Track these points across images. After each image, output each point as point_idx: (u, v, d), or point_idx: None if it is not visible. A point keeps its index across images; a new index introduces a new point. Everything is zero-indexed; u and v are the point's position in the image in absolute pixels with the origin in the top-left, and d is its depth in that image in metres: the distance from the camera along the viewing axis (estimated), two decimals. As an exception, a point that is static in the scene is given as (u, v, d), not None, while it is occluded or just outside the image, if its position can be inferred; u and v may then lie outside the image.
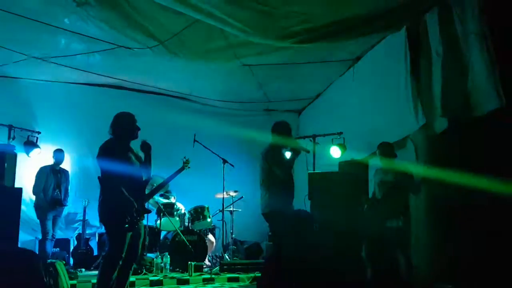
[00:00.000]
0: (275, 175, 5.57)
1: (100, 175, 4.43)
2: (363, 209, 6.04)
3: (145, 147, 4.65)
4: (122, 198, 4.28)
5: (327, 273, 3.40)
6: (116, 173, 4.30)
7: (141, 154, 4.70)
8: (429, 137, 5.85)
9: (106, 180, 4.38)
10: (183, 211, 8.07)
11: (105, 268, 4.31)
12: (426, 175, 5.74)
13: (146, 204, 7.31)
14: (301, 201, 7.36)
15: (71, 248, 7.76)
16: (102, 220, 4.42)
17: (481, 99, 4.88)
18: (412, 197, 5.85)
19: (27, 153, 7.60)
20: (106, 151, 4.39)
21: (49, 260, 5.23)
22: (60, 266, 4.70)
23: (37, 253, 7.08)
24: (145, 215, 4.73)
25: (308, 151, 6.04)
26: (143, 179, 4.63)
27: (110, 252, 4.36)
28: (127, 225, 4.25)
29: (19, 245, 6.68)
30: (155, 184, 5.91)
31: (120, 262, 4.29)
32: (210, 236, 8.40)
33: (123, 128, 4.53)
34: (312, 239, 4.40)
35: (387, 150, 5.93)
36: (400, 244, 5.59)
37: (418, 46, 5.95)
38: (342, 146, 7.57)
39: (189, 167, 5.49)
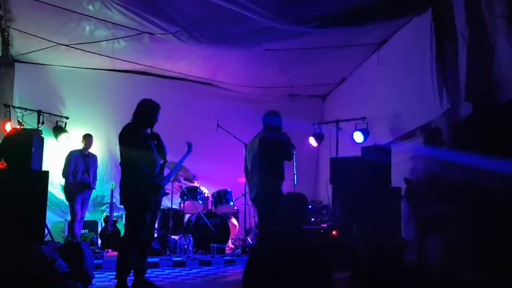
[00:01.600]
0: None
1: (123, 159, 4.56)
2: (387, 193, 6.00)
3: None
4: (139, 181, 4.40)
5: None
6: (133, 157, 4.41)
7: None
8: (454, 122, 5.80)
9: (124, 163, 4.52)
10: (206, 195, 8.18)
11: (124, 248, 4.46)
12: (450, 160, 5.70)
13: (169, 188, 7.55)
14: (323, 186, 7.44)
15: (99, 229, 7.94)
16: (122, 201, 4.57)
17: (507, 83, 4.82)
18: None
19: (56, 138, 7.81)
20: (123, 136, 4.52)
21: (75, 241, 5.41)
22: (85, 247, 4.83)
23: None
24: (164, 197, 4.84)
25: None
26: (161, 163, 4.70)
27: (129, 233, 4.50)
28: (145, 207, 4.37)
29: (49, 226, 6.96)
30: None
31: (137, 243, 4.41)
32: (233, 220, 8.51)
33: (143, 114, 4.63)
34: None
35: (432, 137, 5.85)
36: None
37: (444, 30, 5.86)
38: (365, 131, 7.56)
39: (190, 150, 5.60)
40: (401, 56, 6.95)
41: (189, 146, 5.66)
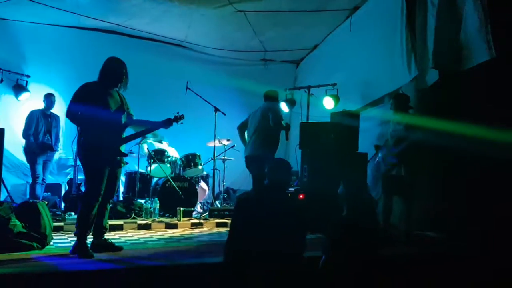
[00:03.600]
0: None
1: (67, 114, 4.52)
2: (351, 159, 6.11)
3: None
4: (96, 137, 4.38)
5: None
6: (89, 115, 4.37)
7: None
8: (421, 89, 5.91)
9: (75, 119, 4.47)
10: (174, 158, 8.17)
11: (83, 207, 4.43)
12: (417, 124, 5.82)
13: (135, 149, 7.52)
14: (293, 150, 7.52)
15: (62, 192, 7.89)
16: (80, 160, 4.58)
17: (472, 51, 4.93)
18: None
19: (16, 97, 7.67)
20: (78, 91, 4.46)
21: (30, 200, 5.37)
22: (42, 206, 4.79)
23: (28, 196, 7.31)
24: (131, 161, 4.83)
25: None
26: (121, 123, 4.66)
27: (87, 192, 4.51)
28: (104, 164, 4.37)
29: (9, 189, 6.87)
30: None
31: (98, 201, 4.41)
32: (203, 184, 8.54)
33: (106, 72, 4.57)
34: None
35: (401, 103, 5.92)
36: (400, 192, 5.70)
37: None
38: (335, 97, 7.65)
39: (181, 123, 5.05)
40: (373, 23, 7.02)
41: (177, 118, 4.96)
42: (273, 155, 6.74)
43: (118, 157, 4.60)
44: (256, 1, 7.01)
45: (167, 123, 4.86)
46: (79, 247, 4.28)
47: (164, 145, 8.24)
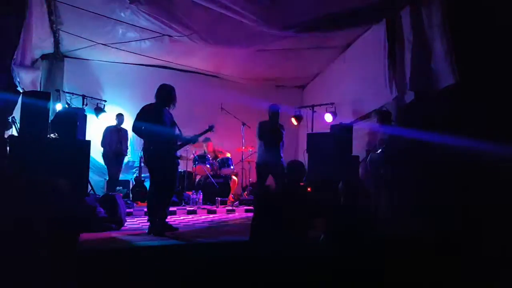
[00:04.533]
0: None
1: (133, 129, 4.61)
2: (348, 160, 6.07)
3: None
4: (156, 146, 4.44)
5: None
6: (147, 128, 4.45)
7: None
8: (400, 106, 5.85)
9: (139, 133, 4.57)
10: (212, 160, 8.20)
11: (152, 199, 4.54)
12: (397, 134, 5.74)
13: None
14: (301, 155, 7.49)
15: (131, 187, 7.99)
16: (145, 162, 4.67)
17: (440, 76, 4.86)
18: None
19: (97, 116, 7.81)
20: (140, 111, 4.56)
21: (110, 193, 5.46)
22: (119, 198, 4.89)
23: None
24: (178, 160, 4.89)
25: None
26: (174, 134, 4.71)
27: (151, 187, 4.59)
28: (164, 166, 4.43)
29: (93, 184, 6.99)
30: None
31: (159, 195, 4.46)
32: (234, 177, 8.54)
33: (161, 95, 4.64)
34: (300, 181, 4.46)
35: (384, 117, 5.87)
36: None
37: (395, 35, 5.86)
38: (334, 113, 7.62)
39: (213, 131, 5.37)
40: (362, 55, 6.95)
41: (210, 127, 5.30)
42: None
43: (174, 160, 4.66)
44: (271, 43, 6.98)
45: (206, 131, 5.12)
46: (153, 228, 4.34)
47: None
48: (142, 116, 4.50)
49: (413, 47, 5.35)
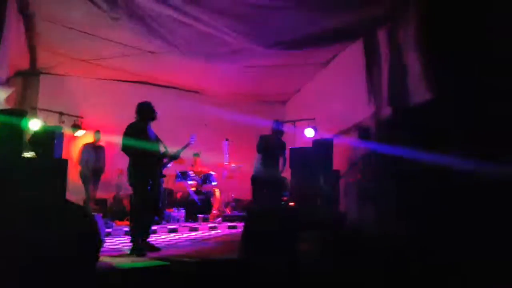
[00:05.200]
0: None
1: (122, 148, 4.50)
2: (327, 174, 6.15)
3: None
4: (142, 168, 4.40)
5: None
6: (136, 146, 4.39)
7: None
8: (379, 120, 5.97)
9: (130, 153, 4.47)
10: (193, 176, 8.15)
11: (134, 220, 4.47)
12: (375, 148, 5.86)
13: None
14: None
15: (108, 205, 7.84)
16: (130, 180, 4.54)
17: (416, 92, 5.00)
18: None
19: (74, 133, 7.68)
20: (127, 130, 4.50)
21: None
22: (98, 218, 4.78)
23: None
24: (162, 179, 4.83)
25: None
26: (160, 152, 4.68)
27: (135, 207, 4.51)
28: (147, 185, 4.37)
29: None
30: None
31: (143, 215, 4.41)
32: (217, 195, 8.50)
33: (142, 112, 4.63)
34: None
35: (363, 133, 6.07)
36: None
37: (372, 53, 6.02)
38: (314, 128, 7.73)
39: (192, 143, 5.34)
40: (341, 72, 7.11)
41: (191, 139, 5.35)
42: None
43: (160, 179, 4.61)
44: (254, 59, 7.06)
45: (177, 153, 4.97)
46: (135, 249, 4.26)
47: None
48: (131, 135, 4.45)
49: (390, 64, 5.51)
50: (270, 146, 6.14)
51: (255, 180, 6.21)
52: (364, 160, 5.94)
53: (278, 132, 6.38)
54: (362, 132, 5.93)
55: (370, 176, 5.86)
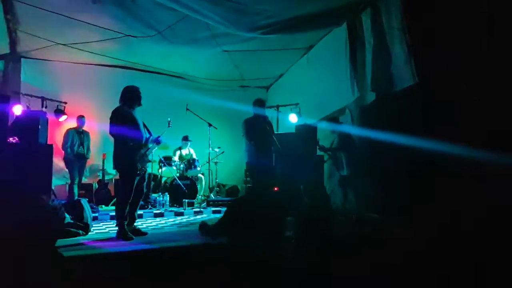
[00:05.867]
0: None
1: (112, 133, 4.40)
2: (311, 159, 6.18)
3: None
4: (128, 152, 4.31)
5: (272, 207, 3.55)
6: (124, 131, 4.30)
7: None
8: (362, 106, 6.02)
9: (116, 138, 4.39)
10: (178, 162, 8.11)
11: (120, 204, 4.40)
12: (360, 134, 5.93)
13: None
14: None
15: (94, 190, 7.75)
16: (116, 167, 4.45)
17: (400, 77, 5.04)
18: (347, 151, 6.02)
19: (57, 119, 7.50)
20: (114, 115, 4.38)
21: (75, 198, 5.27)
22: (84, 202, 4.73)
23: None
24: (148, 164, 4.77)
25: None
26: (146, 136, 4.61)
27: (123, 193, 4.42)
28: (135, 171, 4.32)
29: (53, 189, 6.71)
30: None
31: (131, 199, 4.37)
32: (202, 179, 8.48)
33: (127, 97, 4.52)
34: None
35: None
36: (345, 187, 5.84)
37: (355, 38, 6.03)
38: (298, 114, 7.73)
39: (170, 126, 5.42)
40: (324, 57, 7.10)
41: (169, 123, 5.45)
42: None
43: (146, 164, 4.55)
44: (237, 44, 7.02)
45: (158, 140, 4.81)
46: (122, 233, 4.23)
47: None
48: (119, 120, 4.33)
49: (374, 49, 5.52)
50: (263, 132, 5.86)
51: (252, 167, 6.05)
52: (346, 144, 6.01)
53: (262, 115, 6.05)
54: (345, 117, 5.99)
55: (351, 159, 5.95)
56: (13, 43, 6.81)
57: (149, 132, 4.68)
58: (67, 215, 4.33)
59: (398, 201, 4.78)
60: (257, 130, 5.88)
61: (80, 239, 4.23)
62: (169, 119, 5.47)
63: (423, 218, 4.06)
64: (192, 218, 6.41)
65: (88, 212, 4.65)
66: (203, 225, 4.64)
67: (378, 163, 5.49)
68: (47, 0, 5.47)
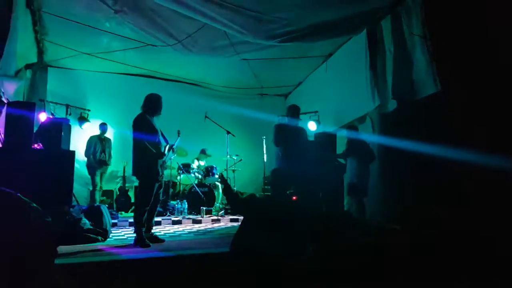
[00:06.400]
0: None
1: (135, 139, 4.41)
2: (331, 167, 6.06)
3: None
4: (148, 158, 4.31)
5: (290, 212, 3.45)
6: (144, 138, 4.31)
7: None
8: (383, 114, 5.89)
9: (136, 144, 4.38)
10: (196, 169, 8.12)
11: (138, 211, 4.37)
12: (381, 143, 5.81)
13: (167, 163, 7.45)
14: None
15: (115, 196, 7.83)
16: (135, 174, 4.44)
17: (422, 85, 4.92)
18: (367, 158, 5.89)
19: (80, 126, 7.63)
20: (136, 123, 4.41)
21: (96, 204, 5.31)
22: (104, 209, 4.76)
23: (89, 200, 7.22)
24: (166, 171, 4.78)
25: None
26: (165, 145, 4.63)
27: (141, 200, 4.40)
28: (155, 178, 4.31)
29: (75, 194, 6.79)
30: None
31: (149, 206, 4.36)
32: (220, 186, 8.45)
33: (149, 105, 4.54)
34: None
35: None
36: (360, 194, 5.70)
37: (376, 46, 5.94)
38: (317, 121, 7.64)
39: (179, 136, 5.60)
40: (344, 65, 7.00)
41: (178, 132, 5.67)
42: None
43: (163, 170, 4.55)
44: (255, 52, 7.00)
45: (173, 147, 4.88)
46: (140, 240, 4.22)
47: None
48: (142, 127, 4.35)
49: (394, 57, 5.41)
50: (294, 138, 5.58)
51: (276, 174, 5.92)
52: (367, 152, 5.89)
53: (295, 122, 5.75)
54: (365, 125, 5.87)
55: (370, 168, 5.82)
56: (40, 52, 7.02)
57: (166, 140, 4.69)
58: (86, 221, 4.36)
59: (421, 212, 4.63)
60: (288, 136, 5.61)
61: (99, 244, 4.24)
62: (178, 130, 5.66)
63: (449, 228, 3.91)
64: (209, 226, 6.37)
65: (107, 218, 4.67)
66: None
67: (400, 172, 5.35)
68: (72, 11, 5.59)
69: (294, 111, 5.87)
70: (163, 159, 4.49)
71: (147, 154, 4.31)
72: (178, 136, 5.59)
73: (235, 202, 3.72)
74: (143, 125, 4.37)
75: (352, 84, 6.55)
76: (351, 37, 6.54)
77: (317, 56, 7.61)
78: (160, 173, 4.41)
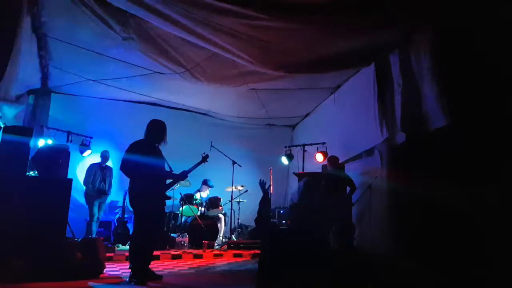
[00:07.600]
0: None
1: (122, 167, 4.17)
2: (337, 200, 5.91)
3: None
4: (147, 190, 4.10)
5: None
6: (140, 167, 4.08)
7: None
8: (391, 147, 5.76)
9: (132, 173, 4.17)
10: (199, 201, 7.94)
11: (135, 246, 4.16)
12: (388, 176, 5.64)
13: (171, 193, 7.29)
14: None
15: (112, 228, 7.63)
16: (131, 202, 4.21)
17: (432, 118, 4.81)
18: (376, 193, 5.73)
19: (81, 153, 7.57)
20: (133, 148, 4.21)
21: (89, 236, 5.14)
22: (99, 242, 4.58)
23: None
24: (166, 201, 4.57)
25: None
26: (165, 172, 4.41)
27: (138, 233, 4.15)
28: (151, 208, 4.14)
29: (71, 225, 6.61)
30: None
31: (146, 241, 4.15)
32: (223, 219, 8.26)
33: (152, 131, 4.36)
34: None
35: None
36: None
37: (384, 79, 5.89)
38: (325, 153, 7.53)
39: (207, 161, 4.97)
40: (352, 97, 6.99)
41: (203, 158, 4.97)
42: None
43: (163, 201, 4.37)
44: (264, 82, 6.99)
45: (200, 163, 4.73)
46: (135, 277, 4.00)
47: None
48: (133, 152, 4.14)
49: (403, 90, 5.35)
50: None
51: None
52: (374, 187, 5.74)
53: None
54: (373, 158, 5.74)
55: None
56: (44, 78, 7.07)
57: (170, 168, 4.53)
58: (79, 254, 4.17)
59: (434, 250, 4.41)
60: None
61: (90, 281, 4.03)
62: (204, 153, 5.08)
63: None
64: (211, 261, 6.12)
65: (102, 252, 4.48)
66: None
67: (406, 206, 5.16)
68: (79, 37, 5.65)
69: (334, 162, 6.23)
70: (165, 189, 4.31)
71: (144, 183, 4.10)
72: (202, 160, 4.91)
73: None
74: (135, 150, 4.15)
75: (360, 116, 6.50)
76: (360, 70, 6.52)
77: (326, 88, 7.60)
78: (160, 206, 4.21)
